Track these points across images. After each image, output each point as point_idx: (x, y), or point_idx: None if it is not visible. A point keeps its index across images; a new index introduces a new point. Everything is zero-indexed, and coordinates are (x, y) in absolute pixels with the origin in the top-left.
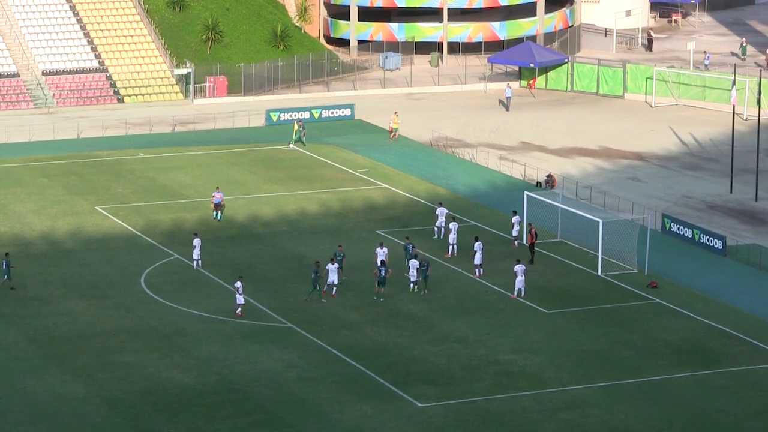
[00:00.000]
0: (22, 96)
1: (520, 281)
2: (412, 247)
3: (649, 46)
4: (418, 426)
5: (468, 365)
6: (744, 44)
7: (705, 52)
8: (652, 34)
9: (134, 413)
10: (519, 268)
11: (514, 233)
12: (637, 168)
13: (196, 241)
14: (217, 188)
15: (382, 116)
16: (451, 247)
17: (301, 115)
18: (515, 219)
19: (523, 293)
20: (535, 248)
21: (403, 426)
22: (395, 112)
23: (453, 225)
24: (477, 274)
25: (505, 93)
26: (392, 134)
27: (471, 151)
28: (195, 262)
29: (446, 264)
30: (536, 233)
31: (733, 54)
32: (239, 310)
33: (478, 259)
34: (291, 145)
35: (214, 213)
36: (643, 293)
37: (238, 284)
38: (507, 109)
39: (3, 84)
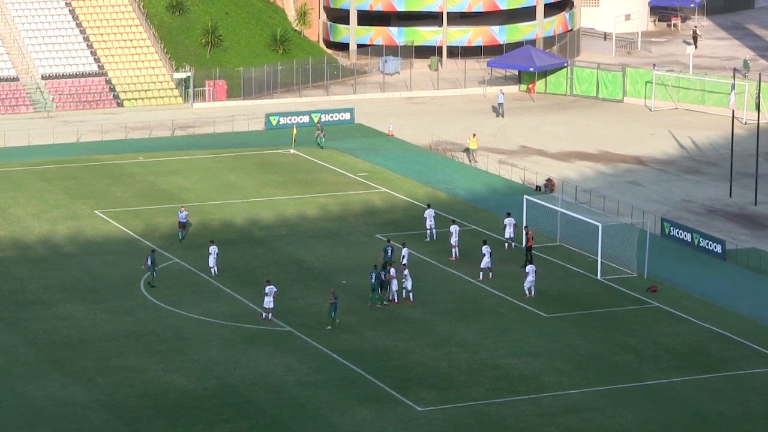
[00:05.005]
0: (22, 100)
1: (529, 281)
2: (392, 250)
3: (694, 43)
4: (418, 430)
5: (468, 369)
6: (747, 60)
7: (654, 65)
8: (697, 31)
9: (134, 417)
10: (530, 268)
11: (507, 235)
12: (637, 172)
13: (213, 248)
14: (183, 208)
15: (382, 120)
16: (453, 250)
17: (301, 119)
18: (508, 221)
19: (533, 293)
20: (533, 251)
21: (402, 430)
22: (473, 134)
23: (454, 228)
24: (481, 277)
25: (498, 99)
26: (471, 156)
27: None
28: (212, 270)
29: (446, 268)
30: (533, 236)
31: (736, 70)
32: (269, 314)
33: (485, 263)
34: (292, 150)
35: (179, 233)
36: (643, 297)
37: (272, 288)
38: (500, 116)
39: (2, 88)
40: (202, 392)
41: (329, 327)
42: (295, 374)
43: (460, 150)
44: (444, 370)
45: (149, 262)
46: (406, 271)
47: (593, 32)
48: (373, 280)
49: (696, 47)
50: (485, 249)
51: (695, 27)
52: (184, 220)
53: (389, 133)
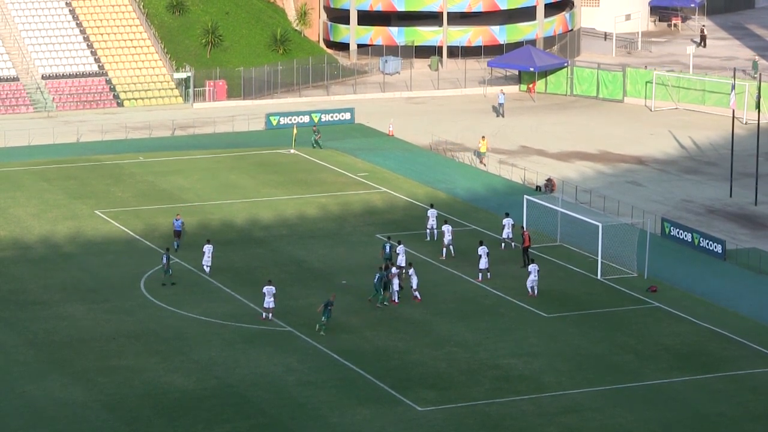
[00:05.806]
0: (22, 100)
1: (532, 280)
2: (390, 247)
3: (701, 42)
4: (418, 430)
5: (468, 369)
6: (756, 61)
7: (646, 66)
8: (704, 30)
9: (134, 417)
10: (533, 267)
11: (504, 235)
12: (637, 172)
13: (207, 248)
14: (178, 215)
15: (382, 120)
16: (444, 249)
17: (301, 119)
18: (506, 221)
19: (535, 292)
20: (531, 252)
21: (402, 430)
22: (483, 136)
23: (446, 227)
24: (480, 278)
25: (498, 99)
26: (481, 159)
27: (470, 155)
28: (207, 268)
29: (446, 268)
30: (530, 237)
31: (744, 71)
32: (269, 314)
33: (483, 263)
34: (292, 150)
35: (174, 242)
36: (643, 297)
37: (271, 288)
38: (500, 116)
39: (3, 88)
40: (202, 392)
41: (322, 331)
42: (295, 374)
43: (460, 150)
44: (444, 370)
45: (164, 260)
46: (411, 270)
47: (593, 32)
48: (376, 280)
49: (700, 46)
50: (481, 250)
51: (703, 26)
52: (180, 228)
53: (389, 133)
